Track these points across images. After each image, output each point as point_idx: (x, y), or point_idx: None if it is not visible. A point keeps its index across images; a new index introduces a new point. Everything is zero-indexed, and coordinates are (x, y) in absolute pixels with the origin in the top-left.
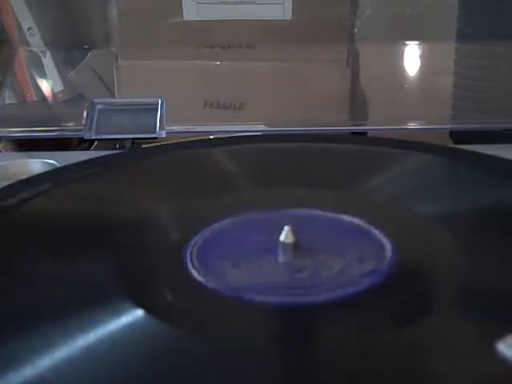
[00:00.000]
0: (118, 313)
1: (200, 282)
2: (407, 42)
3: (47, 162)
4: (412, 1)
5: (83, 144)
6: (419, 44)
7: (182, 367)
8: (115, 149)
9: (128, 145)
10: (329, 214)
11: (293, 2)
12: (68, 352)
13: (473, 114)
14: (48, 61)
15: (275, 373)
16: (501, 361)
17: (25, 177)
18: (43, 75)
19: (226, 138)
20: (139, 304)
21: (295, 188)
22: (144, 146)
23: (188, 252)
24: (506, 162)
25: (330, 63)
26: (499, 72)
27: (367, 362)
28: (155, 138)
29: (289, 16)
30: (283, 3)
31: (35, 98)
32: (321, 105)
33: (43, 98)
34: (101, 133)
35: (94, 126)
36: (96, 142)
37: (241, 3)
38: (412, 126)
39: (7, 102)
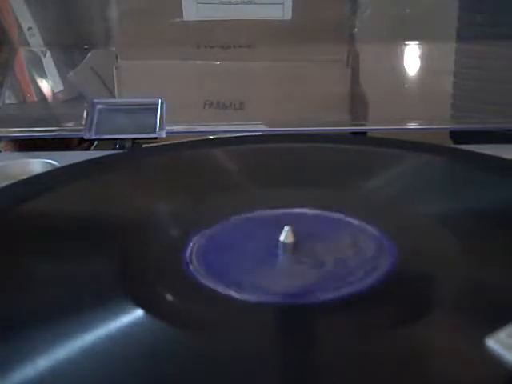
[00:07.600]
0: (118, 313)
1: (200, 282)
2: (407, 42)
3: (47, 162)
4: (412, 1)
5: (83, 144)
6: (419, 44)
7: (182, 367)
8: (115, 149)
9: (128, 145)
10: (329, 214)
11: (293, 2)
12: (68, 352)
13: (473, 114)
14: (48, 61)
15: (275, 373)
16: (489, 356)
17: (25, 177)
18: (43, 75)
19: (226, 137)
20: (139, 304)
21: (295, 188)
22: (144, 145)
23: (188, 252)
24: (506, 161)
25: (330, 63)
26: (499, 72)
27: (367, 362)
28: (155, 138)
29: (289, 16)
30: (283, 3)
31: (35, 98)
32: (321, 105)
33: (43, 98)
34: (101, 133)
35: (93, 126)
36: (96, 142)
37: (241, 3)
38: (412, 126)
39: (7, 101)
